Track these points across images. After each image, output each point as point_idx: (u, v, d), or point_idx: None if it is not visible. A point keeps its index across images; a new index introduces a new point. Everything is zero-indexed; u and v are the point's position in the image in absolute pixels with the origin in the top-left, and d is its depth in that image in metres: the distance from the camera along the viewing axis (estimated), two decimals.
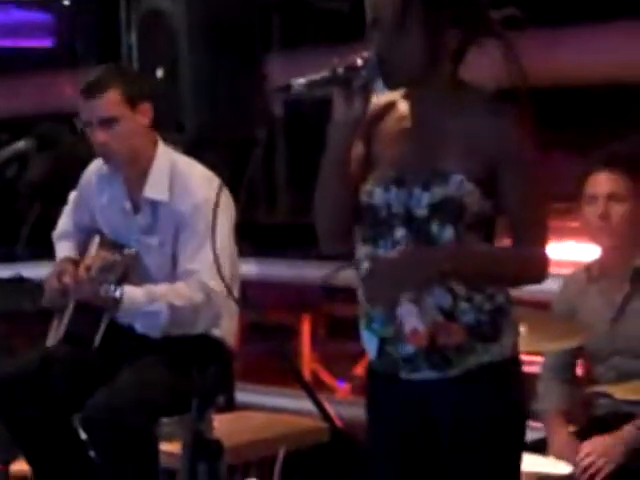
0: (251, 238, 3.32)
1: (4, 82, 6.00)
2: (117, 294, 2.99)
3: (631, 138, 3.40)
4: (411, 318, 2.30)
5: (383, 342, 2.32)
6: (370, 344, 2.33)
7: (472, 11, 2.27)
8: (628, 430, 3.05)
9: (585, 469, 3.06)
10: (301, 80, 2.07)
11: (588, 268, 3.29)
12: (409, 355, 2.28)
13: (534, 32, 2.52)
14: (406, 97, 2.24)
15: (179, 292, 3.08)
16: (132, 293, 3.00)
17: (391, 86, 2.23)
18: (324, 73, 2.11)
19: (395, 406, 2.36)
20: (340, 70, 2.13)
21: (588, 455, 3.04)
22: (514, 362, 2.35)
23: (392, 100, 2.28)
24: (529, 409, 2.57)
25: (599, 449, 3.06)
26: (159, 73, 3.35)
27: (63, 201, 3.39)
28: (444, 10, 2.22)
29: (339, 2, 3.37)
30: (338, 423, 3.33)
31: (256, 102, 3.56)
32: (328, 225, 2.34)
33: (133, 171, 3.14)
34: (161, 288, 3.10)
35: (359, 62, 2.14)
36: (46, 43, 5.25)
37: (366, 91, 2.20)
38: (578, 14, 4.08)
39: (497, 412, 2.32)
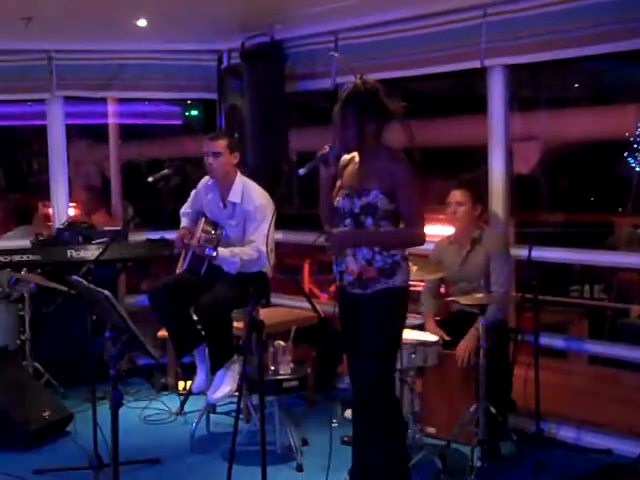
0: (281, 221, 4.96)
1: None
2: (213, 253, 4.63)
3: (467, 174, 5.11)
4: (350, 263, 3.67)
5: (341, 274, 3.72)
6: (335, 272, 3.78)
7: (384, 111, 3.60)
8: (472, 334, 4.50)
9: (460, 354, 4.52)
10: (302, 169, 3.52)
11: (448, 237, 4.89)
12: (350, 281, 3.69)
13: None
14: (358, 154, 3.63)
15: (246, 252, 4.68)
16: (222, 251, 4.64)
17: (348, 152, 3.66)
18: (313, 162, 3.54)
19: (345, 302, 3.79)
20: (320, 156, 3.56)
21: (458, 349, 4.54)
22: (401, 289, 3.68)
23: (352, 156, 3.68)
24: (407, 310, 3.77)
25: (463, 347, 4.53)
26: (235, 135, 5.31)
27: (186, 200, 5.11)
28: (366, 115, 3.55)
29: (327, 104, 5.25)
30: (321, 314, 4.11)
31: (283, 153, 5.71)
32: (324, 216, 3.76)
33: (224, 185, 4.82)
34: (236, 249, 4.70)
35: (327, 149, 3.57)
36: (177, 122, 7.36)
37: (335, 160, 3.62)
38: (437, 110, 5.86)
39: (385, 308, 3.65)
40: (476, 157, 5.73)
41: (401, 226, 3.67)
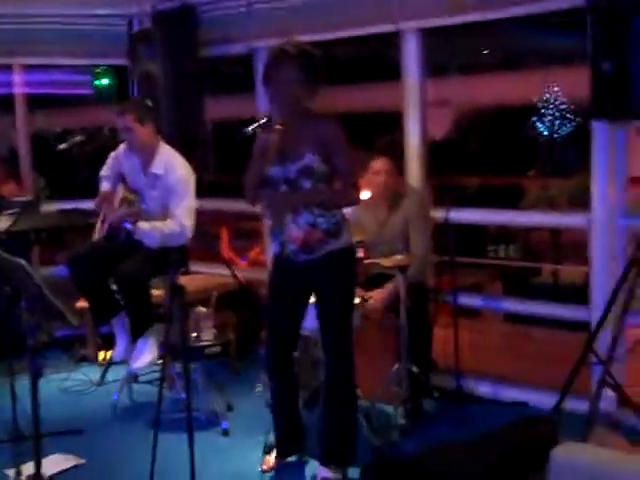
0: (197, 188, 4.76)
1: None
2: (131, 227, 4.53)
3: (383, 137, 5.02)
4: (292, 229, 3.62)
5: (282, 244, 3.67)
6: (274, 244, 3.76)
7: (321, 74, 3.63)
8: (388, 285, 4.56)
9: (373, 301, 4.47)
10: (248, 129, 3.51)
11: (366, 202, 4.66)
12: (294, 249, 3.65)
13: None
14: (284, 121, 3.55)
15: (168, 225, 4.56)
16: (142, 225, 4.54)
17: (285, 113, 3.58)
18: (254, 126, 3.52)
19: (286, 274, 3.73)
20: (260, 122, 3.55)
21: (372, 297, 4.51)
22: (348, 249, 3.72)
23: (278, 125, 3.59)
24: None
25: (378, 294, 4.53)
26: (149, 103, 5.20)
27: (101, 165, 4.98)
28: (312, 76, 3.59)
29: (238, 68, 5.25)
30: (240, 279, 4.43)
31: (198, 120, 5.64)
32: (252, 184, 3.68)
33: (145, 154, 4.68)
34: (158, 223, 4.58)
35: (263, 120, 3.57)
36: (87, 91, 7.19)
37: (270, 126, 3.57)
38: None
39: (338, 271, 3.69)
40: (389, 123, 5.77)
41: (336, 186, 3.68)
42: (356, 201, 3.73)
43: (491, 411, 4.60)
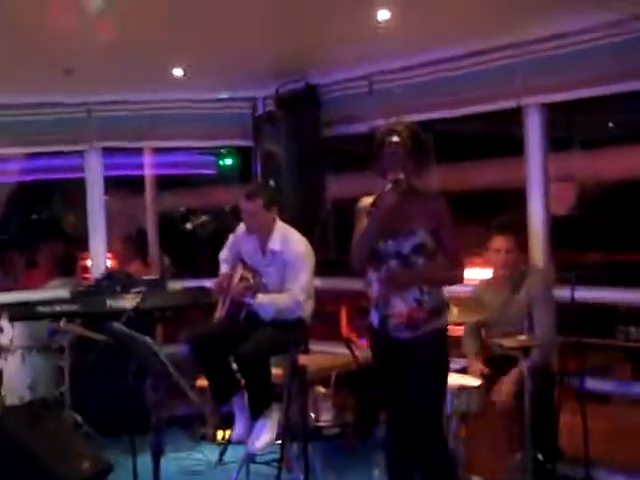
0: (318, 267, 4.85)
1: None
2: (252, 300, 4.62)
3: (502, 216, 4.99)
4: (398, 304, 3.64)
5: (383, 319, 3.68)
6: (374, 317, 3.74)
7: (421, 155, 3.71)
8: (513, 374, 4.37)
9: (499, 396, 4.38)
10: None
11: (487, 280, 4.82)
12: (396, 325, 3.65)
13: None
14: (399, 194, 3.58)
15: (283, 299, 4.65)
16: (260, 298, 4.63)
17: (397, 186, 3.59)
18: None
19: (387, 348, 3.69)
20: (395, 181, 3.56)
21: (500, 388, 4.39)
22: (446, 329, 3.72)
23: (370, 202, 3.72)
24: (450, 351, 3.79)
25: (505, 387, 4.39)
26: (272, 182, 5.41)
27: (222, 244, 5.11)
28: (424, 155, 3.71)
29: (361, 147, 5.33)
30: (359, 359, 4.56)
31: (320, 200, 5.71)
32: (362, 253, 3.68)
33: (262, 234, 4.78)
34: (274, 296, 4.67)
35: (396, 179, 3.58)
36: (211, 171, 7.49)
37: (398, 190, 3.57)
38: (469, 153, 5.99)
39: (437, 350, 3.67)
40: (509, 200, 5.68)
41: (440, 262, 3.68)
42: (461, 280, 3.70)
43: None
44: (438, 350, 3.66)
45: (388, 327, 3.67)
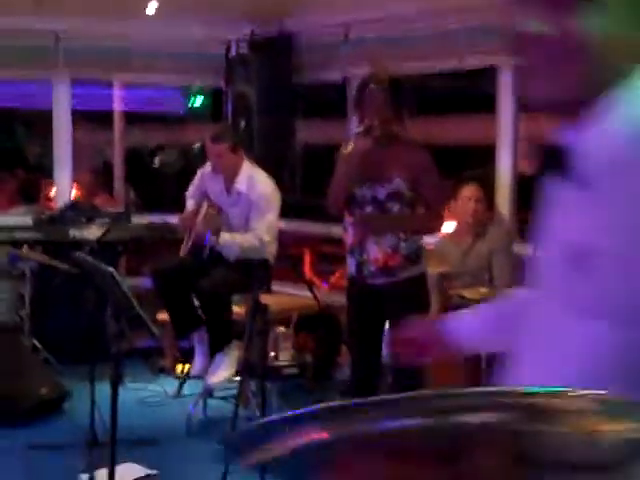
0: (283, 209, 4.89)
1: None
2: (214, 238, 4.62)
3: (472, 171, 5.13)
4: (373, 251, 3.67)
5: (359, 264, 3.75)
6: (350, 264, 3.78)
7: (401, 103, 3.73)
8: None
9: None
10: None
11: (450, 234, 4.80)
12: (372, 271, 3.68)
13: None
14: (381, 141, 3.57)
15: (247, 239, 4.67)
16: (223, 236, 4.65)
17: (377, 132, 3.59)
18: (360, 129, 3.62)
19: (363, 295, 3.76)
20: (365, 127, 3.57)
21: None
22: (423, 275, 3.79)
23: (352, 147, 3.66)
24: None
25: None
26: (242, 124, 5.41)
27: (189, 181, 5.15)
28: (404, 101, 3.76)
29: (335, 96, 5.35)
30: (321, 303, 4.64)
31: (288, 143, 5.70)
32: (337, 197, 3.71)
33: (228, 174, 4.80)
34: (238, 236, 4.70)
35: (367, 125, 3.59)
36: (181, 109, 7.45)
37: (371, 136, 3.55)
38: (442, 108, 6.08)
39: (415, 297, 3.70)
40: (478, 156, 5.73)
41: (420, 212, 3.70)
42: (438, 229, 3.79)
43: None
44: (415, 297, 3.68)
45: (364, 273, 3.68)
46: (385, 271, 3.64)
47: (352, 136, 3.68)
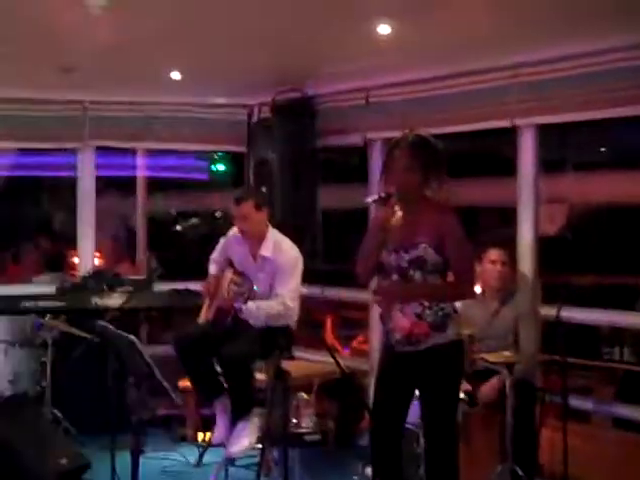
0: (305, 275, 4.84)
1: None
2: (242, 306, 4.53)
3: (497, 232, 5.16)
4: (398, 319, 3.60)
5: (388, 332, 3.64)
6: (383, 330, 3.74)
7: (442, 165, 3.63)
8: (495, 379, 4.47)
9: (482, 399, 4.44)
10: (369, 199, 3.57)
11: (476, 296, 4.46)
12: (398, 339, 3.61)
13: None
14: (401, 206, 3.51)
15: (273, 306, 4.61)
16: (249, 305, 4.53)
17: (400, 197, 3.53)
18: (374, 198, 3.54)
19: (393, 363, 3.67)
20: (380, 196, 3.54)
21: (481, 391, 4.46)
22: (454, 343, 3.60)
23: (394, 211, 3.56)
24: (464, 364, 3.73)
25: (485, 388, 4.48)
26: (263, 189, 5.42)
27: (211, 247, 5.11)
28: (431, 165, 3.58)
29: (353, 158, 5.39)
30: (343, 368, 4.60)
31: (311, 209, 5.73)
32: (366, 263, 3.64)
33: (254, 239, 4.76)
34: (263, 303, 4.61)
35: (383, 194, 3.54)
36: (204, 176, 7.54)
37: (388, 205, 3.54)
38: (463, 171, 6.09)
39: (442, 366, 3.58)
40: (500, 219, 5.70)
41: (449, 279, 3.62)
42: (470, 295, 3.68)
43: None
44: (443, 364, 3.60)
45: (392, 341, 3.65)
46: (410, 339, 3.60)
47: (369, 203, 3.65)
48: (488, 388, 4.48)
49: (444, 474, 3.61)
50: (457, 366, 3.66)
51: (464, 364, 3.72)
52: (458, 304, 3.74)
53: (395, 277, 3.60)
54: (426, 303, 3.56)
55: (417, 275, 3.56)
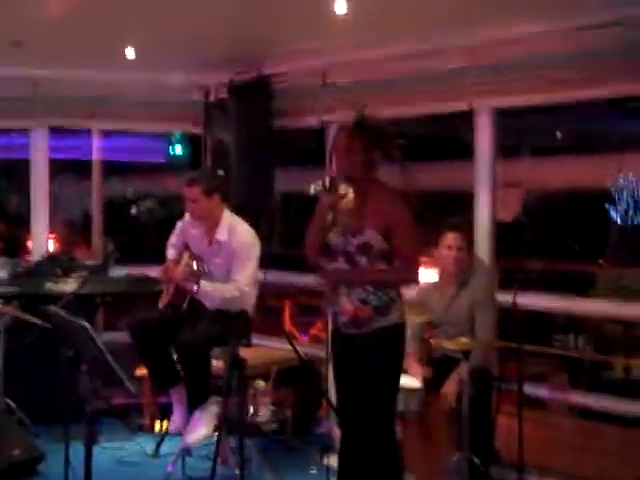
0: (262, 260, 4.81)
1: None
2: (195, 287, 4.53)
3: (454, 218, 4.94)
4: (344, 302, 3.67)
5: (335, 315, 3.74)
6: (330, 313, 3.94)
7: (387, 146, 3.60)
8: (455, 375, 4.37)
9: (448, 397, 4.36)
10: (311, 190, 3.54)
11: (434, 283, 4.76)
12: (344, 322, 3.70)
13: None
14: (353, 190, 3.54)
15: (228, 289, 4.60)
16: (204, 286, 4.55)
17: (347, 180, 3.55)
18: (317, 187, 3.53)
19: (340, 344, 3.76)
20: (324, 183, 3.53)
21: (447, 390, 4.37)
22: (396, 326, 3.67)
23: (346, 192, 3.58)
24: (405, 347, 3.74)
25: (449, 387, 4.38)
26: (220, 172, 5.35)
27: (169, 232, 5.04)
28: (375, 145, 3.57)
29: (311, 143, 5.33)
30: (301, 356, 4.48)
31: (267, 191, 5.67)
32: (313, 246, 3.67)
33: (208, 223, 4.72)
34: (219, 285, 4.62)
35: (327, 180, 3.54)
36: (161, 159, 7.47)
37: (333, 189, 3.56)
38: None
39: (384, 348, 3.64)
40: (457, 203, 5.70)
41: (395, 265, 3.63)
42: (414, 281, 3.70)
43: None
44: (384, 348, 3.64)
45: (338, 323, 3.71)
46: (355, 323, 3.63)
47: (312, 194, 3.61)
48: (451, 386, 4.44)
49: (384, 456, 3.65)
50: (396, 349, 3.70)
51: (403, 347, 3.74)
52: (413, 292, 3.76)
53: (341, 260, 3.62)
54: (370, 288, 3.59)
55: (363, 260, 3.59)
